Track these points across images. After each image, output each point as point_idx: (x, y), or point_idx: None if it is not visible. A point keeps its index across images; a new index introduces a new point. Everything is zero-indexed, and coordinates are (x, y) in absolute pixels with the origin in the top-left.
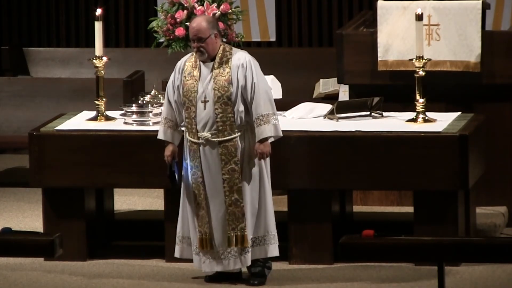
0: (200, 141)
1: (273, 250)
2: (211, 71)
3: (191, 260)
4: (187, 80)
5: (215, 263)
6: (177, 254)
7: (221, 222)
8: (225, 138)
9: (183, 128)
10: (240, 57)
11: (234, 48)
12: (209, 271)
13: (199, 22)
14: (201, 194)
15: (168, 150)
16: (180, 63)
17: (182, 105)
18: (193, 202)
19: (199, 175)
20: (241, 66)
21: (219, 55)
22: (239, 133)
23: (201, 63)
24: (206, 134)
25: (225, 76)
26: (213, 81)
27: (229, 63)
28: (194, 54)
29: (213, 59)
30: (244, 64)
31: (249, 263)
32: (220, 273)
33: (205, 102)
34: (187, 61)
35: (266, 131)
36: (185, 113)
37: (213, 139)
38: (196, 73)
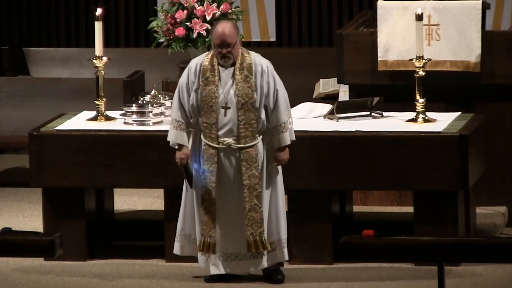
0: (220, 146)
1: (285, 254)
2: (232, 76)
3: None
4: (206, 85)
5: (229, 264)
6: (177, 251)
7: (238, 227)
8: (247, 145)
9: (190, 129)
10: (261, 62)
11: (249, 51)
12: (217, 273)
13: (229, 28)
14: (211, 199)
15: (183, 153)
16: (194, 66)
17: (198, 109)
18: (200, 205)
19: (212, 180)
20: (263, 73)
21: (239, 60)
22: (259, 139)
23: (220, 68)
24: (228, 140)
25: (248, 83)
26: (235, 87)
27: (251, 69)
28: (208, 57)
29: (233, 64)
30: (266, 71)
31: (264, 266)
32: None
33: (226, 108)
34: (202, 64)
35: (286, 139)
36: (203, 118)
37: (235, 145)
38: (215, 78)
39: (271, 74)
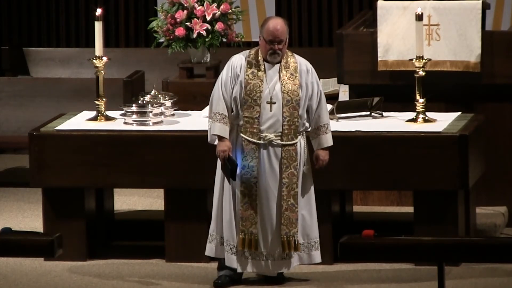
0: (262, 142)
1: (318, 256)
2: (278, 73)
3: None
4: (251, 79)
5: (258, 264)
6: (210, 253)
7: (274, 226)
8: (289, 142)
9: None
10: (305, 63)
11: (292, 53)
12: (249, 271)
13: (281, 24)
14: (253, 195)
15: (225, 145)
16: (238, 61)
17: (240, 103)
18: (240, 202)
19: (253, 176)
20: (307, 72)
21: (284, 59)
22: (299, 138)
23: (266, 64)
24: (270, 135)
25: (293, 80)
26: (281, 84)
27: (296, 68)
28: (252, 53)
29: (279, 61)
30: (309, 71)
31: (293, 266)
32: (229, 277)
33: (271, 103)
34: (246, 59)
35: (329, 139)
36: (245, 112)
37: (277, 142)
38: (260, 73)
39: (314, 75)
